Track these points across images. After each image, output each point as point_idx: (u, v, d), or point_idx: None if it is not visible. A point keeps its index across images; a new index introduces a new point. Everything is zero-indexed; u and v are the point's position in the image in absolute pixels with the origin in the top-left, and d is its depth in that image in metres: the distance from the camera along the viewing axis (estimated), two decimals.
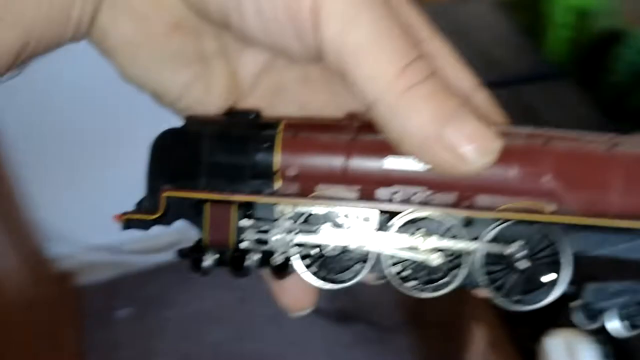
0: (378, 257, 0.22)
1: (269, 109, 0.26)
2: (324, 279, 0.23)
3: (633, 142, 0.21)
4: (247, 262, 0.23)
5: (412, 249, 0.22)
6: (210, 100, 0.25)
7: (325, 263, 0.23)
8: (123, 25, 0.23)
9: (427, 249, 0.22)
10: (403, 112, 0.20)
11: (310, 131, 0.23)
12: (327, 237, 0.23)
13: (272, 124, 0.24)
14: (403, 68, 0.20)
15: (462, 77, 0.24)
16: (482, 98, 0.25)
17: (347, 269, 0.23)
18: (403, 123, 0.20)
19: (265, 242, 0.23)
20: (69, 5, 0.21)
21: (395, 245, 0.22)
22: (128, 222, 0.24)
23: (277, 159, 0.23)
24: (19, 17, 0.20)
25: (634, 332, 0.20)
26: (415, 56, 0.20)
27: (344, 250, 0.23)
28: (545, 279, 0.21)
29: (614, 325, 0.21)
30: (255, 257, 0.23)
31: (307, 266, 0.23)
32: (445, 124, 0.20)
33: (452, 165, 0.20)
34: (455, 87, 0.23)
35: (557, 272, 0.21)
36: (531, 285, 0.22)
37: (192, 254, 0.24)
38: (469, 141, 0.20)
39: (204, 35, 0.24)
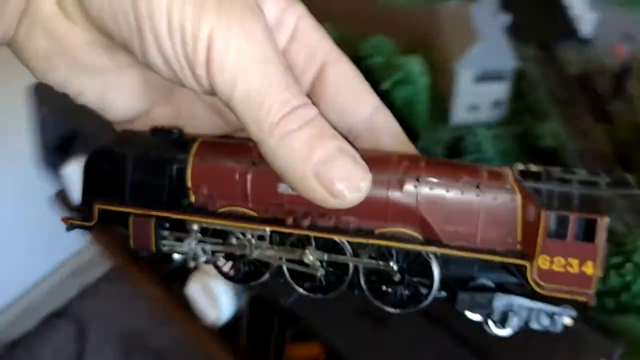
0: (276, 265, 0.27)
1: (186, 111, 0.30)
2: (232, 278, 0.28)
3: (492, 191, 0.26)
4: (174, 260, 0.29)
5: (301, 261, 0.26)
6: (125, 105, 0.29)
7: (235, 266, 0.28)
8: (38, 42, 0.25)
9: (312, 261, 0.26)
10: (282, 154, 0.23)
11: (217, 155, 0.27)
12: (229, 248, 0.27)
13: (187, 145, 0.28)
14: (283, 116, 0.23)
15: (363, 99, 0.28)
16: (382, 118, 0.28)
17: (253, 272, 0.28)
18: (284, 162, 0.23)
19: (181, 245, 0.28)
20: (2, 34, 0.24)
21: (286, 256, 0.27)
22: (72, 225, 0.29)
23: (189, 179, 0.27)
24: None
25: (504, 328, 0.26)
26: (297, 104, 0.23)
27: (245, 258, 0.27)
28: (420, 289, 0.26)
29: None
30: (177, 257, 0.29)
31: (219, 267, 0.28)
32: (321, 165, 0.23)
33: (327, 199, 0.23)
34: (347, 120, 0.27)
35: (430, 283, 0.26)
36: (408, 292, 0.26)
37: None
38: (340, 180, 0.23)
39: (117, 50, 0.26)
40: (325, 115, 0.26)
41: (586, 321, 0.55)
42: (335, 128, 0.25)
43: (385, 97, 0.70)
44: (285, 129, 0.23)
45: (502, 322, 0.26)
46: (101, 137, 0.34)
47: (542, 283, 0.25)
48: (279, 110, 0.23)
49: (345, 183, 0.23)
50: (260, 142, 0.23)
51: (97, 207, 0.28)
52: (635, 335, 0.59)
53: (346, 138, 0.26)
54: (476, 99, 0.87)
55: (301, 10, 0.28)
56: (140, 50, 0.23)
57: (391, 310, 0.27)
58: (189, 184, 0.28)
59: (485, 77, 0.83)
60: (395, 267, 0.26)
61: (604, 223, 0.26)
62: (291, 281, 0.28)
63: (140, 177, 0.28)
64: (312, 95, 0.28)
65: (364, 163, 0.24)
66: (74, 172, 0.68)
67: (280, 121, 0.23)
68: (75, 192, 0.65)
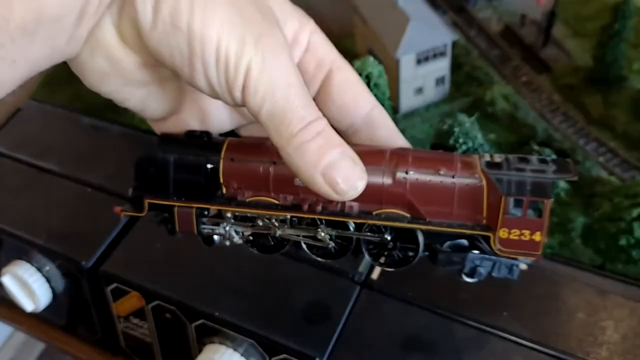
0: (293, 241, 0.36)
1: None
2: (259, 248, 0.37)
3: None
4: (214, 239, 0.37)
5: (315, 237, 0.35)
6: (162, 108, 0.35)
7: (259, 241, 0.37)
8: (97, 62, 0.31)
9: (323, 236, 0.35)
10: (297, 160, 0.30)
11: (243, 156, 0.35)
12: (257, 229, 0.36)
13: (217, 147, 0.35)
14: (300, 130, 0.29)
15: (362, 100, 0.35)
16: (378, 115, 0.36)
17: (276, 245, 0.37)
18: (298, 166, 0.30)
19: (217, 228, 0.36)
20: (71, 52, 0.29)
21: (303, 234, 0.35)
22: (125, 214, 0.37)
23: (221, 177, 0.35)
24: (31, 61, 0.27)
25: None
26: (311, 120, 0.29)
27: (269, 235, 0.36)
28: (408, 253, 0.35)
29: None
30: (216, 237, 0.37)
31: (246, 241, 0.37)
32: (327, 169, 0.30)
33: (331, 195, 0.30)
34: (348, 116, 0.35)
35: (416, 248, 0.34)
36: (400, 255, 0.35)
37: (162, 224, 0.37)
38: (342, 181, 0.30)
39: (164, 68, 0.31)
40: (330, 112, 0.35)
41: (610, 275, 0.53)
42: (338, 122, 0.35)
43: None
44: (300, 140, 0.29)
45: (472, 274, 0.34)
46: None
47: (502, 248, 0.33)
48: (296, 125, 0.29)
49: (345, 183, 0.30)
50: (280, 148, 0.30)
51: (146, 201, 0.36)
52: None
53: (347, 131, 0.36)
54: (420, 81, 0.83)
55: (312, 26, 0.34)
56: (188, 76, 0.30)
57: (387, 269, 0.36)
58: (221, 180, 0.35)
59: (426, 57, 0.80)
60: (389, 238, 0.34)
61: (549, 204, 0.32)
62: (308, 251, 0.36)
63: (180, 177, 0.35)
64: (319, 96, 0.35)
65: (361, 164, 0.31)
66: (10, 281, 0.59)
67: (297, 133, 0.29)
68: (19, 298, 0.59)
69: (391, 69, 0.80)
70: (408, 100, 0.84)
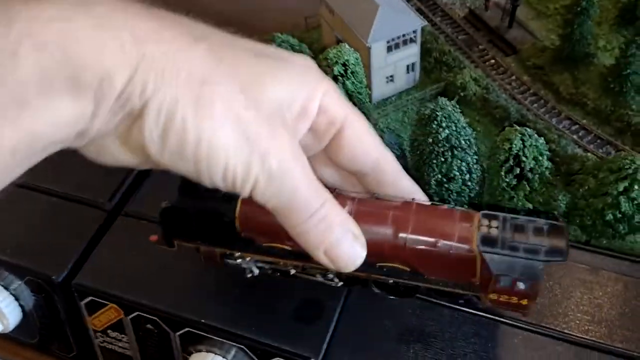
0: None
1: None
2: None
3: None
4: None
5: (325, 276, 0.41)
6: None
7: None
8: (99, 155, 0.31)
9: (332, 277, 0.41)
10: (303, 241, 0.33)
11: (256, 214, 0.37)
12: (274, 266, 0.41)
13: (231, 200, 0.38)
14: (304, 220, 0.32)
15: (372, 149, 0.37)
16: (385, 161, 0.38)
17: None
18: (303, 244, 0.33)
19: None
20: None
21: (313, 272, 0.41)
22: (157, 244, 0.42)
23: (238, 226, 0.39)
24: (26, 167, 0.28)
25: None
26: (314, 210, 0.32)
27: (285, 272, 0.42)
28: (409, 289, 0.40)
29: None
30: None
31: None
32: (329, 248, 0.33)
33: (333, 268, 0.34)
34: (357, 163, 0.38)
35: (415, 288, 0.40)
36: (402, 290, 0.40)
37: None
38: (342, 258, 0.34)
39: None
40: (340, 162, 0.37)
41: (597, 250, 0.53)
42: (348, 168, 0.38)
43: None
44: (304, 228, 0.32)
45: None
46: None
47: (492, 305, 0.37)
48: (301, 217, 0.32)
49: (345, 260, 0.34)
50: (287, 229, 0.33)
51: (175, 242, 0.42)
52: None
53: (356, 175, 0.39)
54: (391, 69, 0.82)
55: (325, 87, 0.34)
56: (195, 179, 0.31)
57: (391, 297, 0.41)
58: (239, 229, 0.39)
59: (396, 44, 0.78)
60: (390, 281, 0.39)
61: (539, 285, 0.36)
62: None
63: (201, 226, 0.40)
64: (330, 147, 0.37)
65: (362, 238, 0.34)
66: None
67: (301, 223, 0.32)
68: None
69: (362, 58, 0.78)
70: (380, 89, 0.83)
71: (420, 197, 0.39)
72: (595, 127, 0.79)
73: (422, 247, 0.36)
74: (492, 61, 0.93)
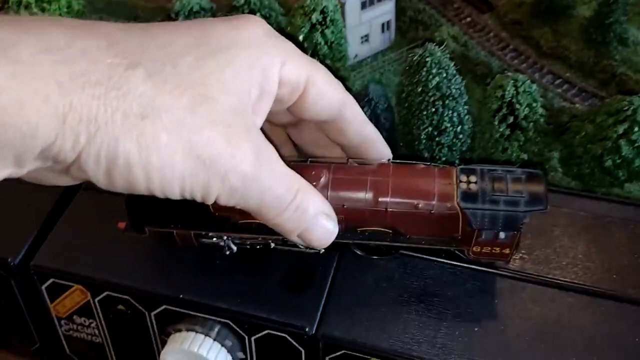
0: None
1: None
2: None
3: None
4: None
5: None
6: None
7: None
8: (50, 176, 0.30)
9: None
10: (278, 229, 0.34)
11: None
12: (250, 240, 0.41)
13: None
14: (276, 215, 0.33)
15: (364, 126, 0.39)
16: (369, 132, 0.40)
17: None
18: (279, 231, 0.34)
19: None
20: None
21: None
22: (126, 232, 0.41)
23: (211, 206, 0.37)
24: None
25: None
26: (285, 205, 0.33)
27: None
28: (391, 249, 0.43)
29: None
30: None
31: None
32: (303, 233, 0.34)
33: (308, 246, 0.36)
34: (345, 139, 0.40)
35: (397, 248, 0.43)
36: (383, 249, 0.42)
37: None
38: (315, 240, 0.35)
39: None
40: (304, 114, 0.36)
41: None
42: (311, 119, 0.38)
43: (303, 46, 0.57)
44: (277, 220, 0.33)
45: None
46: None
47: (474, 257, 0.38)
48: (270, 213, 0.33)
49: (319, 240, 0.35)
50: (269, 224, 0.34)
51: (146, 228, 0.40)
52: None
53: (320, 124, 0.39)
54: (366, 28, 0.78)
55: (281, 57, 0.33)
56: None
57: (374, 257, 0.43)
58: (212, 209, 0.38)
59: (370, 1, 0.74)
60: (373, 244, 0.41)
61: (519, 235, 0.37)
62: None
63: (172, 210, 0.39)
64: (295, 105, 0.36)
65: (334, 218, 0.35)
66: None
67: (274, 218, 0.33)
68: None
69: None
70: (355, 50, 0.78)
71: (384, 148, 0.40)
72: (578, 80, 0.76)
73: (404, 209, 0.36)
74: (468, 19, 0.90)
